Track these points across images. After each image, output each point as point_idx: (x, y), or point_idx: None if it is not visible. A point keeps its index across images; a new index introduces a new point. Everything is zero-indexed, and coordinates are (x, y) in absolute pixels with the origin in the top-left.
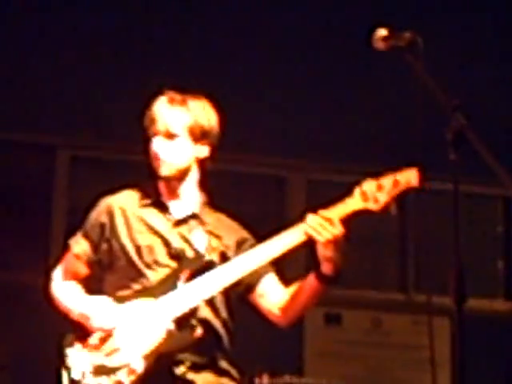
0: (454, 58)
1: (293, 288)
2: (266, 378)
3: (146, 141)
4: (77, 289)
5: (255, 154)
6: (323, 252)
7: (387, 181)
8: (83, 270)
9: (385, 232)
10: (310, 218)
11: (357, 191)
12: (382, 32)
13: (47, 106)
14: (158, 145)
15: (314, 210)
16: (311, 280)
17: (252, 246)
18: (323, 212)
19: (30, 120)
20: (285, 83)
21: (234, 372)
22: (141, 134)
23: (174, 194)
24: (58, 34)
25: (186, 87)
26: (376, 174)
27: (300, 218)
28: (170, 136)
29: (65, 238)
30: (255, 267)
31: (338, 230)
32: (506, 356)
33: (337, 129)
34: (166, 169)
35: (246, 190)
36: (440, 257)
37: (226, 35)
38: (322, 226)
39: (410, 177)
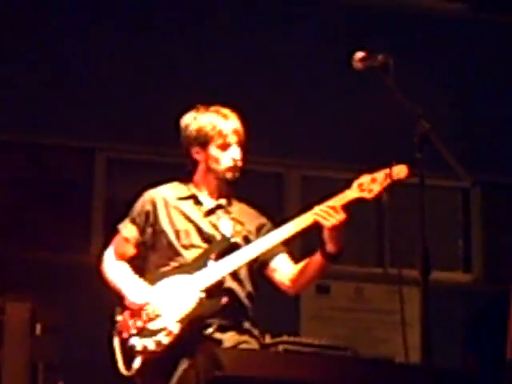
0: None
1: (301, 264)
2: (268, 338)
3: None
4: (126, 268)
5: (256, 153)
6: (328, 234)
7: (380, 174)
8: (131, 250)
9: (365, 217)
10: (318, 207)
11: (355, 183)
12: (360, 54)
13: (88, 114)
14: (236, 153)
15: (310, 204)
16: (317, 257)
17: (269, 230)
18: (328, 201)
19: (73, 126)
20: (283, 92)
21: (255, 331)
22: (166, 139)
23: (208, 189)
24: (96, 47)
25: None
26: (370, 170)
27: (296, 209)
28: (241, 145)
29: (103, 228)
30: (269, 247)
31: (341, 216)
32: (463, 318)
33: (327, 132)
34: (238, 173)
35: (247, 185)
36: (410, 237)
37: (235, 51)
38: (328, 213)
39: (399, 171)
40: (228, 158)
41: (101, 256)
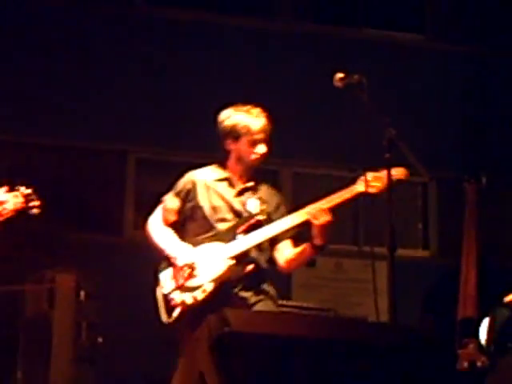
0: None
1: (296, 250)
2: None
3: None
4: (169, 232)
5: None
6: (316, 231)
7: (383, 174)
8: (172, 218)
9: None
10: (310, 207)
11: (360, 179)
12: (339, 75)
13: (121, 122)
14: (262, 149)
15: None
16: (307, 248)
17: (285, 208)
18: (320, 203)
19: (109, 133)
20: (278, 102)
21: (272, 292)
22: (187, 142)
23: (239, 173)
24: (128, 58)
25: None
26: (371, 169)
27: (288, 201)
28: (267, 140)
29: (133, 216)
30: (278, 232)
31: (327, 218)
32: (422, 287)
33: (316, 136)
34: (262, 162)
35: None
36: (380, 221)
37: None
38: (318, 214)
39: (400, 173)
40: (255, 152)
41: (133, 237)
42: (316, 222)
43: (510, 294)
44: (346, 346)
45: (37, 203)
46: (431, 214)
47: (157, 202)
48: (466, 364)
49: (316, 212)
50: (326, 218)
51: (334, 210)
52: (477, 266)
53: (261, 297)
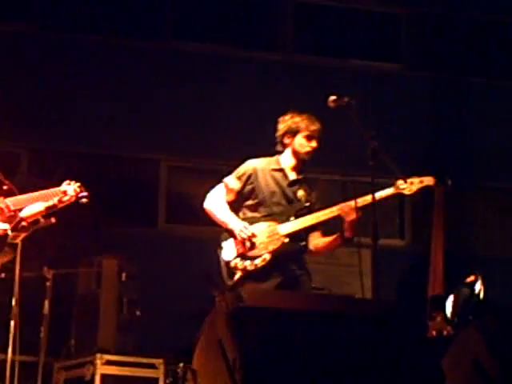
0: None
1: (326, 239)
2: None
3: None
4: (228, 208)
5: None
6: (346, 225)
7: (417, 179)
8: (231, 197)
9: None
10: (342, 205)
11: (399, 182)
12: (332, 98)
13: (156, 135)
14: (315, 144)
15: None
16: (336, 239)
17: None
18: (350, 202)
19: (144, 143)
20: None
21: (309, 271)
22: (214, 151)
23: (291, 166)
24: (169, 75)
25: None
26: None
27: None
28: (319, 141)
29: (165, 215)
30: (320, 221)
31: (357, 215)
32: (399, 270)
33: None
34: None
35: None
36: (365, 215)
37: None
38: (349, 211)
39: (429, 181)
40: (309, 146)
41: (165, 229)
42: (347, 218)
43: (470, 275)
44: (339, 318)
45: (85, 194)
46: (406, 209)
47: (184, 200)
48: (434, 333)
49: (348, 209)
50: (355, 215)
51: (363, 208)
52: (443, 253)
53: (303, 271)
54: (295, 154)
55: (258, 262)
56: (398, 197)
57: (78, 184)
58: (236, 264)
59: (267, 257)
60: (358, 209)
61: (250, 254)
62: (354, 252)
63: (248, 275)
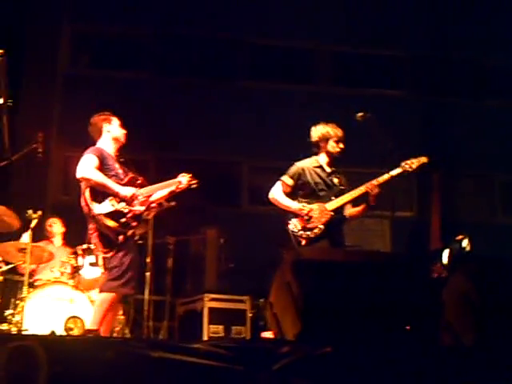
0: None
1: (357, 208)
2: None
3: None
4: (286, 197)
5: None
6: (370, 198)
7: (415, 160)
8: (287, 190)
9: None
10: (366, 184)
11: (403, 163)
12: (360, 114)
13: (240, 140)
14: (342, 145)
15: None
16: (364, 208)
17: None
18: (374, 181)
19: (226, 148)
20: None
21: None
22: (287, 152)
23: (326, 162)
24: (231, 79)
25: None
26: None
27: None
28: (344, 143)
29: (248, 206)
30: (353, 198)
31: (379, 189)
32: (408, 234)
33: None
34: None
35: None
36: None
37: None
38: (373, 188)
39: (424, 158)
40: (338, 147)
41: (248, 209)
42: (371, 193)
43: (459, 235)
44: (369, 266)
45: (195, 181)
46: (413, 188)
47: (261, 191)
48: (435, 275)
49: (372, 186)
50: (377, 190)
51: (383, 185)
52: (440, 220)
53: (342, 239)
54: (328, 154)
55: (316, 230)
56: (405, 174)
57: (190, 175)
58: (302, 234)
59: (322, 227)
60: (379, 185)
61: (309, 225)
62: (377, 221)
63: (310, 241)
